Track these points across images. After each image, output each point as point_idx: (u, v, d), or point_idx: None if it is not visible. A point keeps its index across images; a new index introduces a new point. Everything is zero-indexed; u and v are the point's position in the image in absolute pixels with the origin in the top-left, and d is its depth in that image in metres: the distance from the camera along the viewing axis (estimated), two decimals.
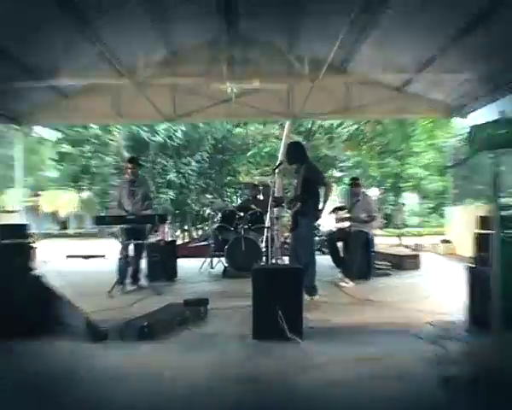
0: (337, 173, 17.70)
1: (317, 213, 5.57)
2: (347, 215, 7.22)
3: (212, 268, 8.22)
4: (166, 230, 14.53)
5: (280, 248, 7.80)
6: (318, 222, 10.74)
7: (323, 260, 7.45)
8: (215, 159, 16.11)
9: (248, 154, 16.23)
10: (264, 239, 6.66)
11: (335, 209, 7.31)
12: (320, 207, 5.54)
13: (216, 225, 8.20)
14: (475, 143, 3.28)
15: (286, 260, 6.86)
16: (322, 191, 5.68)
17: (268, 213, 6.28)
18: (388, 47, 7.30)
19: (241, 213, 7.98)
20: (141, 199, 6.62)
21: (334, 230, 7.47)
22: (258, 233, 7.77)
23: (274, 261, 6.87)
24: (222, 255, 7.91)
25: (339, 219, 7.23)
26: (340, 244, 7.27)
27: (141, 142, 14.96)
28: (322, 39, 7.41)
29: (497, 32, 5.90)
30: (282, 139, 10.80)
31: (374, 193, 16.70)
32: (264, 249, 7.44)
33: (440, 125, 15.48)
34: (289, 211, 5.85)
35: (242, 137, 16.51)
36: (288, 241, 8.53)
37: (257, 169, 16.76)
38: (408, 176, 16.75)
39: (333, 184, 9.64)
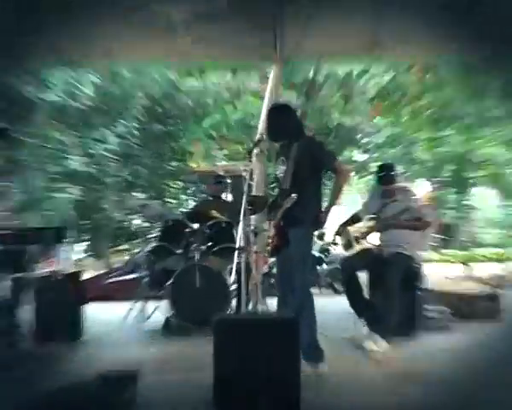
0: (359, 156, 17.55)
1: (319, 220, 5.70)
2: (371, 224, 7.37)
3: (145, 319, 8.15)
4: (65, 255, 14.31)
5: (261, 285, 7.58)
6: (327, 239, 10.91)
7: (336, 304, 7.66)
8: (150, 132, 15.98)
9: (207, 123, 16.13)
10: (234, 269, 6.30)
11: (342, 227, 7.41)
12: (326, 207, 5.69)
13: (152, 246, 8.17)
14: None
15: (272, 303, 6.77)
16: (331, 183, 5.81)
17: (240, 225, 6.06)
18: None
19: (195, 226, 7.94)
20: (9, 200, 6.49)
21: (354, 252, 7.50)
22: (223, 259, 7.75)
23: (251, 308, 6.73)
24: (162, 297, 7.86)
25: (350, 240, 7.34)
26: (364, 277, 7.27)
27: (20, 102, 14.75)
28: None
29: None
30: (263, 98, 10.77)
31: (423, 189, 16.70)
32: (233, 287, 7.50)
33: None
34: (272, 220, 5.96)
35: (197, 95, 16.40)
36: (274, 271, 8.39)
37: (221, 149, 16.67)
38: (481, 159, 16.62)
39: (350, 171, 9.90)
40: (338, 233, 7.36)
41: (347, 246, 7.40)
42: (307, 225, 5.67)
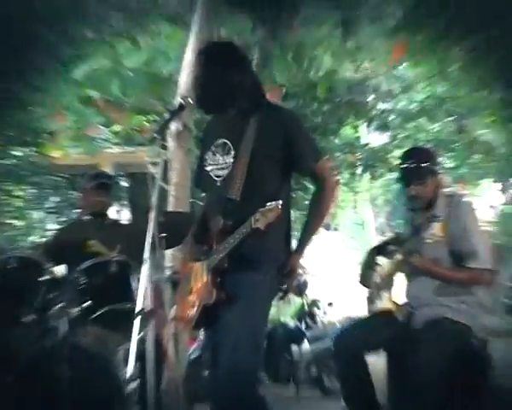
0: (370, 136, 13.43)
1: (289, 262, 4.08)
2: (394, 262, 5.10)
3: None
4: None
5: (184, 382, 6.40)
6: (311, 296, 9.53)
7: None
8: None
9: (79, 73, 11.07)
10: (134, 352, 4.62)
11: (371, 256, 5.30)
12: (300, 241, 4.18)
13: None
14: None
15: None
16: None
17: (145, 267, 4.42)
18: None
19: (59, 269, 6.18)
20: None
21: (363, 317, 5.39)
22: (112, 332, 5.75)
23: None
24: None
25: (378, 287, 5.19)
26: (375, 363, 5.21)
27: None
28: None
29: None
30: (189, 28, 8.59)
31: (485, 199, 13.85)
32: (131, 385, 5.64)
33: None
34: (197, 259, 4.10)
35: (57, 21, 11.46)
36: (201, 353, 7.87)
37: (108, 124, 12.19)
38: None
39: (337, 178, 8.69)
40: (363, 278, 5.27)
41: (372, 298, 5.30)
42: (267, 268, 3.93)
